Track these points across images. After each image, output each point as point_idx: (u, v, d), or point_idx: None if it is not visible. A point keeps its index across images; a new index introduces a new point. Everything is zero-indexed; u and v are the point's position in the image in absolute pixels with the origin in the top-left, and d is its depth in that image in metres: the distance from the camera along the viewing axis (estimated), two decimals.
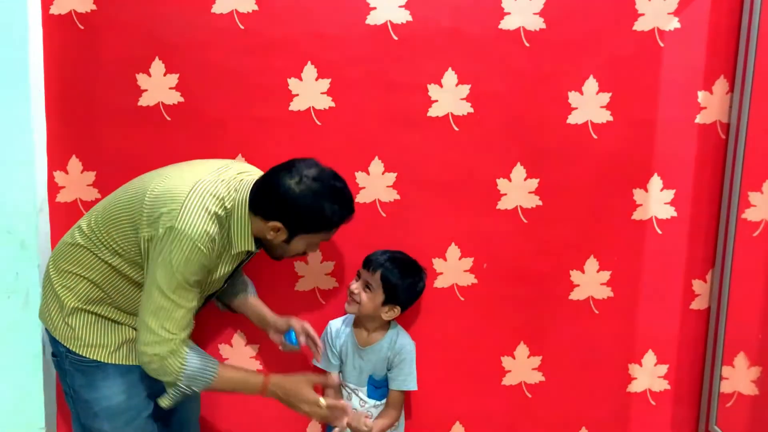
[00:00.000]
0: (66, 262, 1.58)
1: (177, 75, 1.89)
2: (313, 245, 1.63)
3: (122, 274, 1.55)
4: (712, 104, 1.93)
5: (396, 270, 1.78)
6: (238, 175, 1.59)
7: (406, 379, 1.85)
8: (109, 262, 1.54)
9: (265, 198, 1.53)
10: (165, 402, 1.54)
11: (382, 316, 1.81)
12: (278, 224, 1.52)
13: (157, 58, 1.88)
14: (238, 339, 2.01)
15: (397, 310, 1.81)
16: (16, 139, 1.81)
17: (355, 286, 1.80)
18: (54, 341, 1.60)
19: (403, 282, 1.78)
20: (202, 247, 1.44)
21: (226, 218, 1.52)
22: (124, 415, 1.59)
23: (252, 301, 1.86)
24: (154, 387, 1.62)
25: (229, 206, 1.52)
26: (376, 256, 1.81)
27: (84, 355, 1.56)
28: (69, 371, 1.59)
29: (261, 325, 1.85)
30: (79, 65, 1.88)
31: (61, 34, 1.86)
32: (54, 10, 1.85)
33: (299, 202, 1.49)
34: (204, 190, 1.50)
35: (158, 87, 1.89)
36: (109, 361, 1.57)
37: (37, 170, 1.84)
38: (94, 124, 1.90)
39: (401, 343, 1.86)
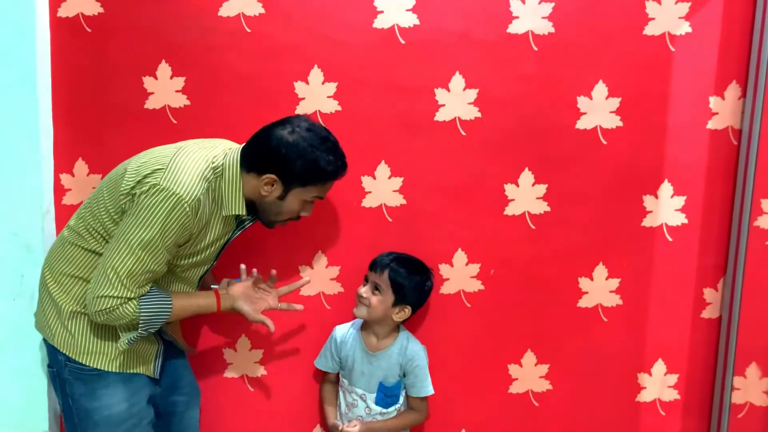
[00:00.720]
0: (60, 264, 1.55)
1: (183, 78, 1.89)
2: (307, 204, 1.61)
3: None
4: (723, 110, 1.90)
5: (403, 269, 1.77)
6: (224, 144, 1.60)
7: (424, 385, 1.85)
8: (98, 251, 1.50)
9: (258, 151, 1.53)
10: (122, 345, 1.50)
11: (393, 317, 1.80)
12: (272, 176, 1.51)
13: (163, 61, 1.88)
14: (243, 342, 2.00)
15: (408, 311, 1.80)
16: (23, 141, 1.82)
17: (364, 290, 1.79)
18: (52, 350, 1.56)
19: (411, 280, 1.78)
20: (186, 207, 1.41)
21: (216, 179, 1.50)
22: (125, 424, 1.56)
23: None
24: (156, 393, 1.61)
25: (218, 167, 1.50)
26: (382, 257, 1.81)
27: (84, 363, 1.53)
28: (68, 380, 1.55)
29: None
30: (86, 68, 1.89)
31: (68, 37, 1.87)
32: (62, 12, 1.86)
33: (293, 150, 1.50)
34: (190, 151, 1.49)
35: (165, 90, 1.89)
36: (110, 369, 1.55)
37: (44, 173, 1.85)
38: (101, 126, 1.90)
39: (413, 349, 1.84)
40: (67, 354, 1.53)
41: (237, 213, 1.54)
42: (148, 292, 1.49)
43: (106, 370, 1.54)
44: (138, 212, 1.41)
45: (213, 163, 1.50)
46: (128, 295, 1.43)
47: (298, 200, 1.57)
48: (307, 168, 1.52)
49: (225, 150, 1.57)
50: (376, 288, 1.77)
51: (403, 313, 1.80)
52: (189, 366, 1.82)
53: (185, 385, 1.79)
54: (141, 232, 1.40)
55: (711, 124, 1.91)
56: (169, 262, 1.50)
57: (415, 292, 1.80)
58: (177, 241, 1.46)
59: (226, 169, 1.52)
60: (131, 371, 1.57)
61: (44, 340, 1.60)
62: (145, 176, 1.44)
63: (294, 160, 1.50)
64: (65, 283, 1.54)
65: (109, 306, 1.42)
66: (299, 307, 1.77)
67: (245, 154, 1.54)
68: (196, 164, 1.47)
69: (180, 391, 1.77)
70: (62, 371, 1.56)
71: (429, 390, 1.86)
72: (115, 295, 1.42)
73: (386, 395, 1.85)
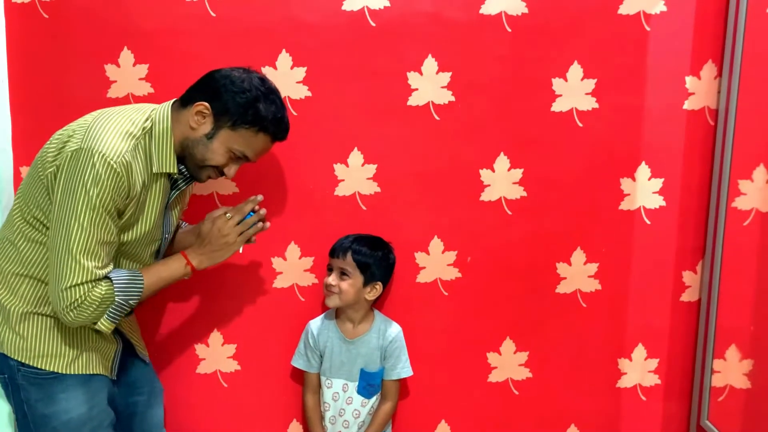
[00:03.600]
0: (1, 263, 1.45)
1: (147, 65, 1.83)
2: (233, 160, 1.49)
3: None
4: (700, 90, 1.88)
5: (365, 248, 1.77)
6: (153, 106, 1.50)
7: (405, 366, 1.85)
8: (42, 241, 1.41)
9: (200, 83, 1.48)
10: (104, 325, 1.40)
11: (366, 297, 1.78)
12: (205, 104, 1.42)
13: (125, 48, 1.82)
14: (215, 337, 1.95)
15: (379, 287, 1.79)
16: None
17: (331, 278, 1.77)
18: (1, 356, 1.45)
19: (374, 257, 1.77)
20: (115, 166, 1.31)
21: (144, 136, 1.42)
22: (85, 427, 1.47)
23: (189, 226, 1.77)
24: (115, 394, 1.56)
25: (146, 124, 1.42)
26: (341, 242, 1.80)
27: (39, 366, 1.44)
28: (22, 386, 1.45)
29: (192, 237, 1.66)
30: (44, 56, 1.82)
31: (24, 24, 1.80)
32: None
33: (235, 83, 1.43)
34: (112, 113, 1.41)
35: (128, 78, 1.83)
36: (68, 372, 1.45)
37: (3, 166, 1.78)
38: (62, 117, 1.78)
39: (391, 331, 1.84)
40: (18, 359, 1.43)
41: (167, 170, 1.45)
42: (113, 271, 1.40)
43: (63, 372, 1.46)
44: (67, 183, 1.31)
45: (140, 121, 1.42)
46: (91, 277, 1.33)
47: (225, 146, 1.45)
48: (244, 105, 1.42)
49: (154, 107, 1.49)
50: (342, 273, 1.75)
51: (375, 290, 1.78)
52: (149, 365, 1.75)
53: (144, 384, 1.72)
54: (77, 202, 1.30)
55: (687, 105, 1.89)
56: (118, 235, 1.42)
57: (381, 266, 1.79)
58: (117, 206, 1.36)
59: (156, 123, 1.43)
60: (90, 372, 1.49)
61: None
62: (65, 143, 1.36)
63: (232, 92, 1.42)
64: (11, 282, 1.45)
65: (77, 296, 1.33)
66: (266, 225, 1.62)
67: (185, 93, 1.48)
68: (120, 124, 1.38)
69: (139, 390, 1.70)
70: (15, 376, 1.45)
71: (408, 371, 1.85)
72: (79, 281, 1.32)
73: (369, 383, 1.82)
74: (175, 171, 1.47)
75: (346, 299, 1.76)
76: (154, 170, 1.44)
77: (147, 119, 1.44)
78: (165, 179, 1.49)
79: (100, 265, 1.36)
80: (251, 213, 1.57)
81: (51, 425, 1.45)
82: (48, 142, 1.44)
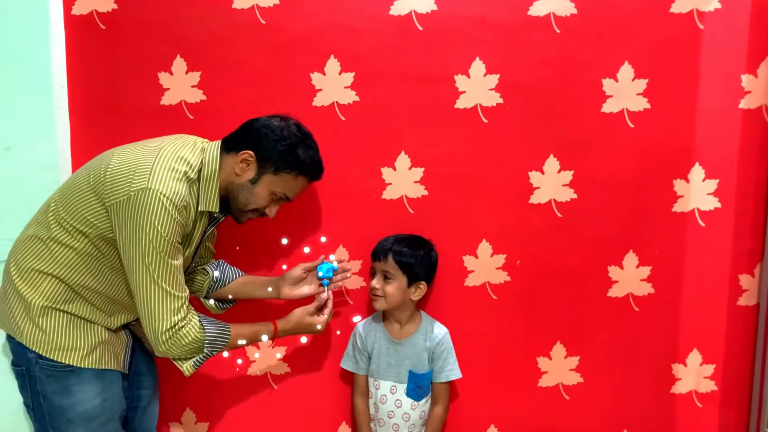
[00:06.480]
0: (28, 259, 1.50)
1: (199, 73, 1.87)
2: (275, 201, 1.62)
3: (91, 257, 1.49)
4: (756, 88, 1.83)
5: (405, 248, 1.77)
6: (201, 142, 1.61)
7: (453, 368, 1.84)
8: (75, 246, 1.48)
9: (242, 131, 1.59)
10: (189, 369, 1.53)
11: (412, 298, 1.79)
12: (249, 152, 1.54)
13: (178, 56, 1.86)
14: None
15: (423, 286, 1.79)
16: (41, 141, 1.81)
17: (375, 281, 1.78)
18: (20, 348, 1.51)
19: (416, 257, 1.77)
20: (177, 205, 1.43)
21: (196, 179, 1.53)
22: (99, 419, 1.54)
23: (250, 277, 1.85)
24: (124, 387, 1.62)
25: (196, 166, 1.53)
26: (381, 244, 1.81)
27: (57, 359, 1.49)
28: (39, 378, 1.51)
29: (273, 288, 1.81)
30: (101, 65, 1.87)
31: (83, 35, 1.86)
32: (76, 10, 1.85)
33: (276, 132, 1.55)
34: (170, 153, 1.49)
35: (180, 85, 1.87)
36: (83, 365, 1.51)
37: (61, 173, 1.83)
38: (118, 124, 1.89)
39: (438, 332, 1.84)
40: (37, 351, 1.49)
41: (211, 209, 1.56)
42: (206, 317, 1.55)
43: (79, 366, 1.51)
44: (137, 221, 1.41)
45: (190, 162, 1.52)
46: (183, 302, 1.47)
47: (267, 190, 1.58)
48: (285, 152, 1.55)
49: (202, 143, 1.60)
50: (386, 276, 1.76)
51: (420, 290, 1.79)
52: (153, 361, 1.80)
53: (150, 379, 1.78)
54: (150, 239, 1.41)
55: (743, 104, 1.85)
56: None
57: (424, 265, 1.79)
58: (179, 241, 1.47)
59: (205, 165, 1.55)
60: (104, 367, 1.55)
61: (8, 337, 1.56)
62: (129, 179, 1.43)
63: (274, 141, 1.55)
64: (33, 278, 1.50)
65: (174, 324, 1.46)
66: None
67: (228, 138, 1.59)
68: (179, 165, 1.48)
69: (145, 384, 1.75)
70: (32, 369, 1.51)
71: (457, 373, 1.84)
72: (176, 307, 1.45)
73: (417, 386, 1.82)
74: (217, 209, 1.57)
75: (393, 302, 1.76)
76: (200, 209, 1.55)
77: (198, 162, 1.54)
78: (206, 216, 1.61)
79: (181, 288, 1.48)
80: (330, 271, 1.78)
81: (66, 416, 1.52)
82: (105, 166, 1.47)
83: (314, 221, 1.90)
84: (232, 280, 1.81)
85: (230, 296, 1.82)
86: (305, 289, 1.79)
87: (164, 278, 1.43)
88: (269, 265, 1.93)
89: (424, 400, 1.84)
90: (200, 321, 1.52)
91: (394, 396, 1.83)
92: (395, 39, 1.84)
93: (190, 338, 1.48)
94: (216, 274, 1.79)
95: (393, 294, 1.75)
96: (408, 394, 1.82)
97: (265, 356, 1.98)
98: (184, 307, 1.48)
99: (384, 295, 1.76)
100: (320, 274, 1.77)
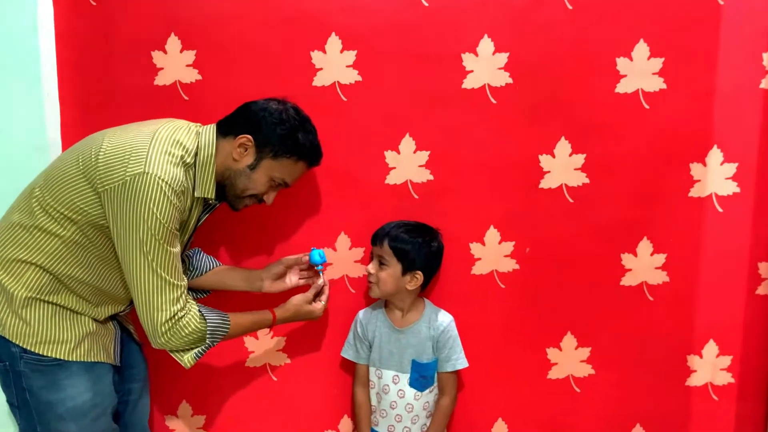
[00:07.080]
0: (9, 248, 1.43)
1: (194, 51, 1.80)
2: (273, 187, 1.58)
3: (78, 246, 1.42)
4: None
5: (403, 234, 1.71)
6: (194, 126, 1.56)
7: (459, 357, 1.80)
8: (61, 234, 1.41)
9: (239, 114, 1.55)
10: (190, 361, 1.48)
11: (407, 287, 1.73)
12: (248, 136, 1.51)
13: (172, 35, 1.79)
14: (265, 330, 1.91)
15: (420, 276, 1.72)
16: (30, 123, 1.75)
17: (370, 266, 1.74)
18: (1, 342, 1.44)
19: (413, 244, 1.71)
20: (176, 190, 1.39)
21: (192, 164, 1.49)
22: (90, 414, 1.47)
23: (228, 268, 1.81)
24: (115, 381, 1.56)
25: (192, 150, 1.49)
26: (381, 228, 1.76)
27: (43, 353, 1.43)
28: (24, 373, 1.44)
29: (250, 282, 1.77)
30: (92, 44, 1.80)
31: (72, 12, 1.78)
32: None
33: (275, 116, 1.52)
34: (165, 136, 1.45)
35: (175, 65, 1.80)
36: (71, 358, 1.45)
37: (51, 155, 1.76)
38: (110, 105, 1.82)
39: (443, 320, 1.79)
40: (21, 345, 1.42)
41: (207, 196, 1.52)
42: (204, 307, 1.51)
43: (67, 359, 1.45)
44: (134, 207, 1.35)
45: (186, 145, 1.48)
46: (182, 291, 1.42)
47: (266, 176, 1.55)
48: (284, 136, 1.52)
49: (197, 128, 1.55)
50: (381, 262, 1.72)
51: (416, 280, 1.72)
52: (142, 352, 1.75)
53: (140, 372, 1.73)
54: (149, 226, 1.36)
55: (765, 84, 1.79)
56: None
57: (421, 255, 1.72)
58: (177, 227, 1.43)
59: (201, 149, 1.50)
60: (93, 360, 1.49)
61: None
62: (126, 164, 1.37)
63: (273, 124, 1.52)
64: (15, 269, 1.43)
65: (173, 315, 1.41)
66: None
67: (223, 122, 1.55)
68: (174, 149, 1.44)
69: (135, 377, 1.70)
70: (16, 364, 1.44)
71: (464, 362, 1.80)
72: (175, 296, 1.40)
73: (421, 375, 1.77)
74: (212, 196, 1.53)
75: (385, 289, 1.72)
76: (196, 195, 1.52)
77: (195, 146, 1.50)
78: (201, 202, 1.57)
79: (180, 276, 1.44)
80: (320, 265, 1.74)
81: (56, 412, 1.45)
82: (96, 149, 1.41)
83: (314, 207, 1.84)
84: (209, 270, 1.76)
85: (205, 287, 1.77)
86: (287, 283, 1.78)
87: (163, 266, 1.39)
88: (268, 252, 1.88)
89: (427, 391, 1.78)
90: (200, 310, 1.47)
91: (396, 386, 1.78)
92: (399, 15, 1.77)
93: (190, 328, 1.43)
94: (192, 263, 1.74)
95: (385, 281, 1.71)
96: (411, 384, 1.77)
97: (264, 346, 1.92)
98: (183, 296, 1.43)
99: (376, 282, 1.72)
100: (317, 259, 1.73)
